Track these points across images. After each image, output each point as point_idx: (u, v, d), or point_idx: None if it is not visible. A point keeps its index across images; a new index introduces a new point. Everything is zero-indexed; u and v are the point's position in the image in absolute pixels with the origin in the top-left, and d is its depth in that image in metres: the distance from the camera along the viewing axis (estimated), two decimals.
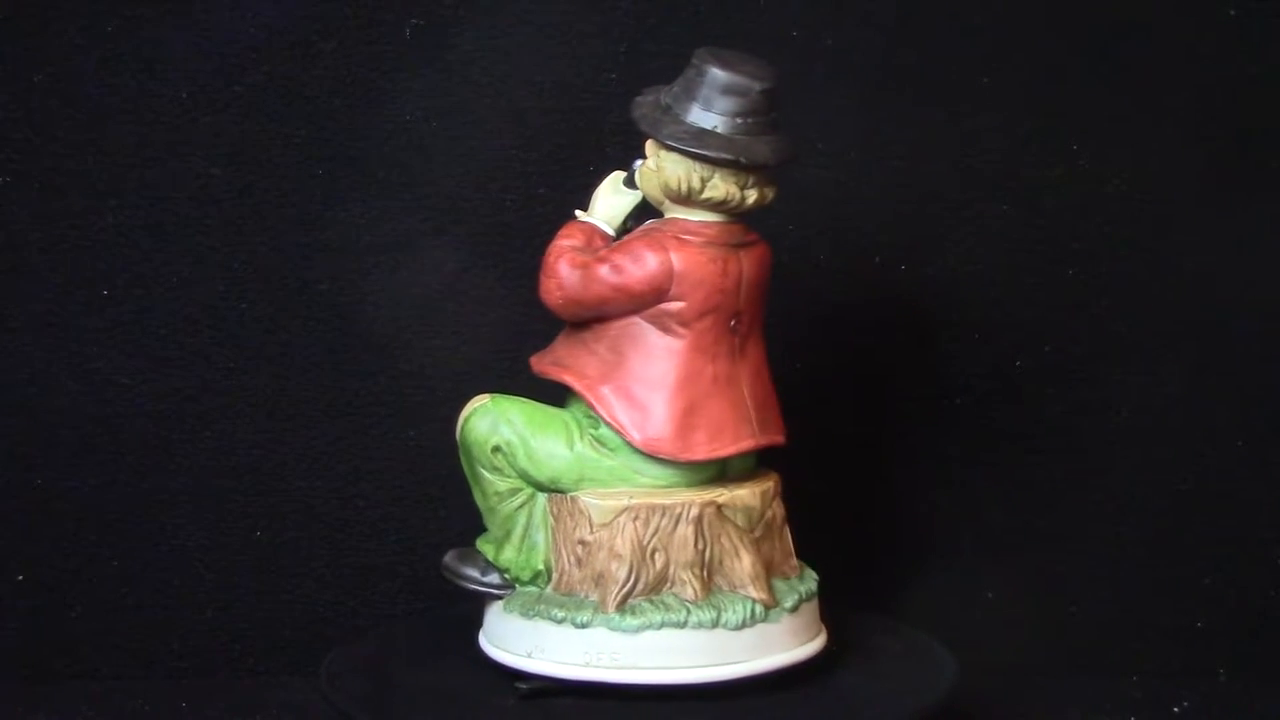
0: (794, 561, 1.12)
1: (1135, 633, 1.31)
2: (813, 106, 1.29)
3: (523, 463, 1.10)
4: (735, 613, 1.07)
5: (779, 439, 1.11)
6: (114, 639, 1.30)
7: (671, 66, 1.27)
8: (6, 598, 1.30)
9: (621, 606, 1.08)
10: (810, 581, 1.12)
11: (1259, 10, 1.28)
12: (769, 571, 1.10)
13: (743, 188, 1.08)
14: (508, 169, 1.29)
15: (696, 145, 1.06)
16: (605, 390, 1.09)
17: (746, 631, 1.08)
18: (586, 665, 1.08)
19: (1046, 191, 1.30)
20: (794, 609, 1.09)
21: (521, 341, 1.23)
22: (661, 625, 1.07)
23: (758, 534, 1.10)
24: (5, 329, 1.28)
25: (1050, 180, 1.30)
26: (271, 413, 1.30)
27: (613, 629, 1.07)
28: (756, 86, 1.07)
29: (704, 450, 1.08)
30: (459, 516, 1.29)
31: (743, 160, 1.06)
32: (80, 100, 1.27)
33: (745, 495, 1.09)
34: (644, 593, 1.08)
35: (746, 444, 1.09)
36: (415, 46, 1.28)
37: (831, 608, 1.18)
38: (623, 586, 1.08)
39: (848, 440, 1.30)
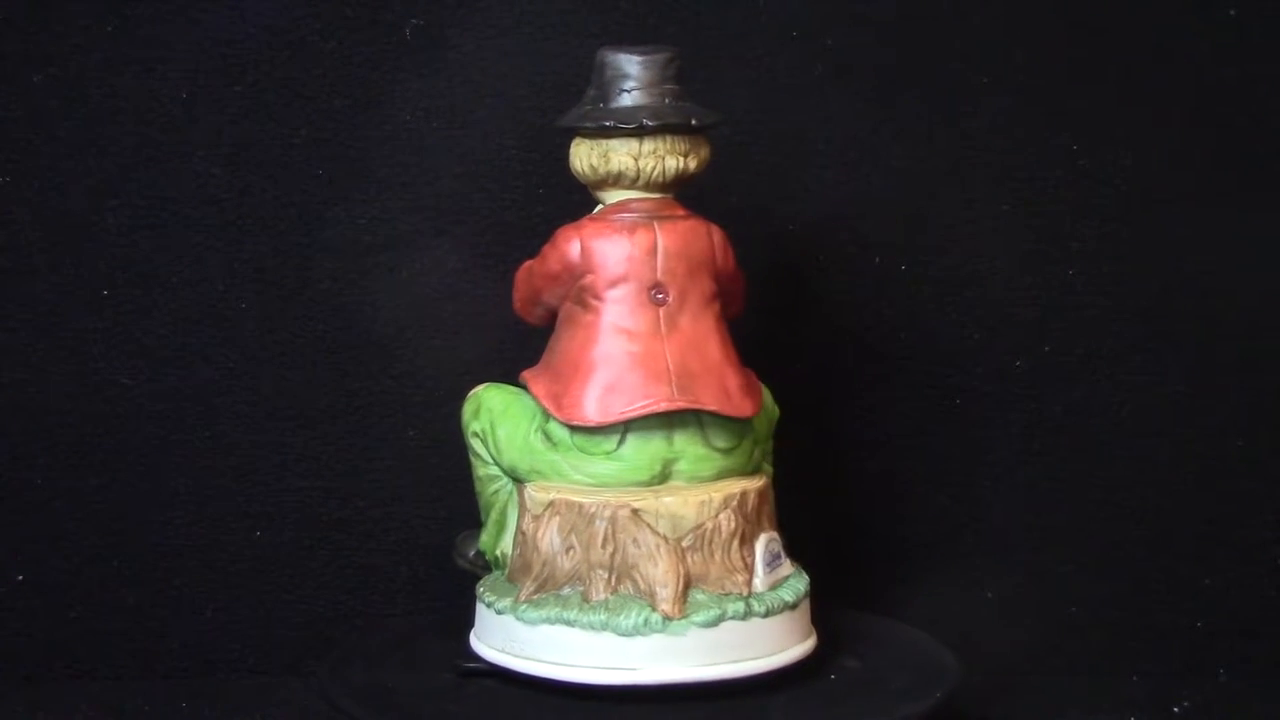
0: (744, 579, 1.09)
1: (1135, 633, 1.31)
2: (813, 106, 1.29)
3: (492, 449, 1.14)
4: (628, 618, 1.07)
5: (716, 406, 1.10)
6: (114, 639, 1.30)
7: None
8: (6, 598, 1.30)
9: (531, 598, 1.10)
10: (766, 601, 1.09)
11: (1259, 10, 1.28)
12: (692, 583, 1.09)
13: (637, 158, 1.11)
14: (508, 169, 1.29)
15: (576, 120, 1.12)
16: (541, 375, 1.13)
17: (639, 639, 1.07)
18: (502, 651, 1.11)
19: (1046, 191, 1.30)
20: (709, 625, 1.08)
21: (521, 341, 1.23)
22: (555, 621, 1.09)
23: (686, 543, 1.09)
24: (5, 329, 1.28)
25: (1050, 180, 1.30)
26: (271, 413, 1.30)
27: (518, 619, 1.10)
28: (635, 59, 1.11)
29: (612, 412, 1.09)
30: (459, 516, 1.29)
31: (612, 124, 1.10)
32: (80, 100, 1.27)
33: (673, 503, 1.09)
34: (554, 587, 1.10)
35: (658, 406, 1.09)
36: (415, 46, 1.28)
37: (832, 607, 1.18)
38: (534, 579, 1.10)
39: (848, 440, 1.30)
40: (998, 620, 1.31)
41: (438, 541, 1.30)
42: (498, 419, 1.14)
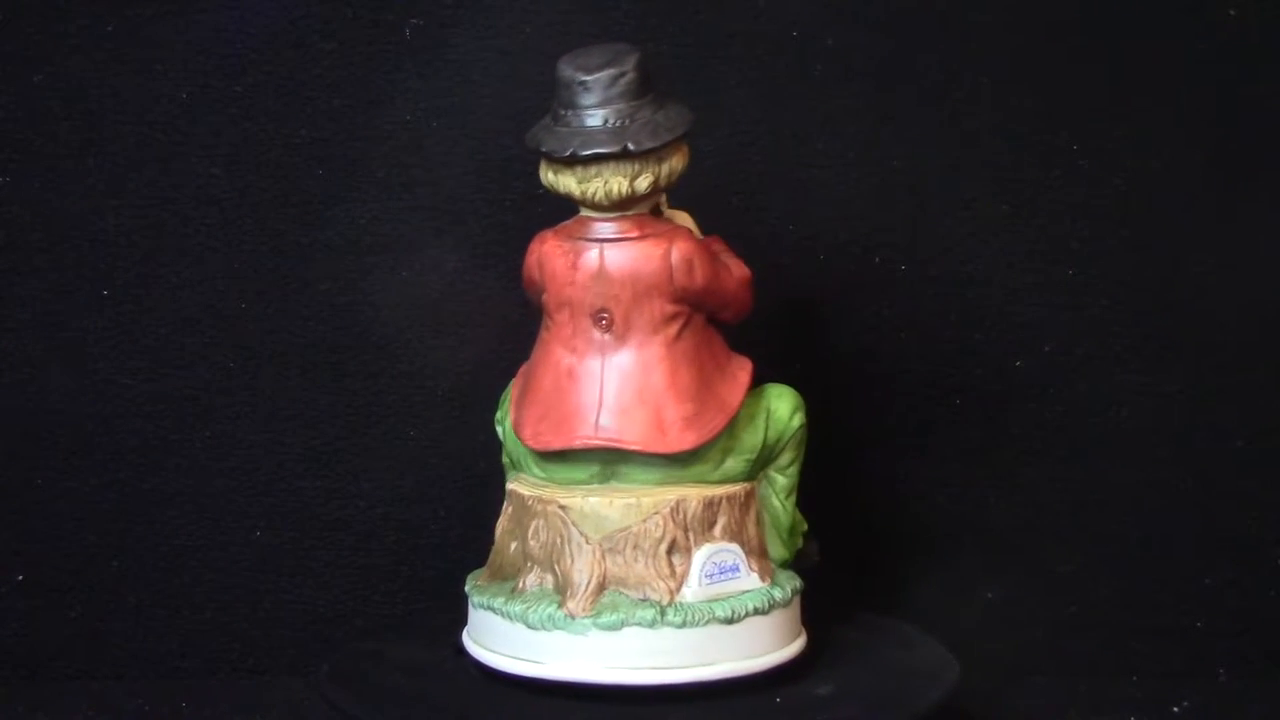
0: (668, 587, 1.08)
1: (1135, 633, 1.31)
2: (813, 106, 1.29)
3: (502, 439, 1.15)
4: (536, 612, 1.08)
5: (637, 445, 1.08)
6: (114, 639, 1.30)
7: (672, 67, 1.27)
8: (6, 598, 1.30)
9: (478, 584, 1.13)
10: (687, 612, 1.08)
11: (1259, 10, 1.28)
12: (610, 584, 1.08)
13: (579, 182, 1.09)
14: (508, 169, 1.29)
15: (528, 139, 1.10)
16: (522, 375, 1.14)
17: (544, 634, 1.08)
18: (465, 634, 1.14)
19: (1046, 191, 1.30)
20: (610, 628, 1.07)
21: (521, 341, 1.23)
22: (486, 608, 1.11)
23: (609, 545, 1.09)
24: (5, 329, 1.28)
25: (1050, 180, 1.30)
26: (271, 413, 1.30)
27: (471, 605, 1.12)
28: (580, 77, 1.09)
29: (542, 440, 1.10)
30: (459, 516, 1.29)
31: (546, 151, 1.09)
32: (80, 100, 1.27)
33: (598, 503, 1.09)
34: (500, 576, 1.12)
35: (577, 441, 1.09)
36: (415, 46, 1.28)
37: (831, 606, 1.18)
38: (489, 565, 1.13)
39: (848, 440, 1.30)
40: (998, 620, 1.31)
41: (437, 541, 1.30)
42: (509, 410, 1.14)
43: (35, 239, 1.28)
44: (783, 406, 1.13)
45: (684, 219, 1.15)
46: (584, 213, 1.11)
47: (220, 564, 1.30)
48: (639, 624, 1.07)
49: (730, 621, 1.08)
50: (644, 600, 1.08)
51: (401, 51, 1.28)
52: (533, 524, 1.10)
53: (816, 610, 1.15)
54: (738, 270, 1.13)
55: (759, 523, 1.13)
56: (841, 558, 1.27)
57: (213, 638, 1.31)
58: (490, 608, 1.10)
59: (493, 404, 1.17)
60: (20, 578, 1.30)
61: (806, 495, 1.16)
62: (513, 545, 1.12)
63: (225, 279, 1.29)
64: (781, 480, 1.14)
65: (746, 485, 1.12)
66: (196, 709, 1.25)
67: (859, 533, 1.31)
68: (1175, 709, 1.25)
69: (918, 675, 1.13)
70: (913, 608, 1.29)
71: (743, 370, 1.12)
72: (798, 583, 1.13)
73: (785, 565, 1.14)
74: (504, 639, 1.10)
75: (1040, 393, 1.31)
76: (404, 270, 1.29)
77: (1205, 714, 1.24)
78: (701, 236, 1.14)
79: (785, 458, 1.14)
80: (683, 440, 1.09)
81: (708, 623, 1.08)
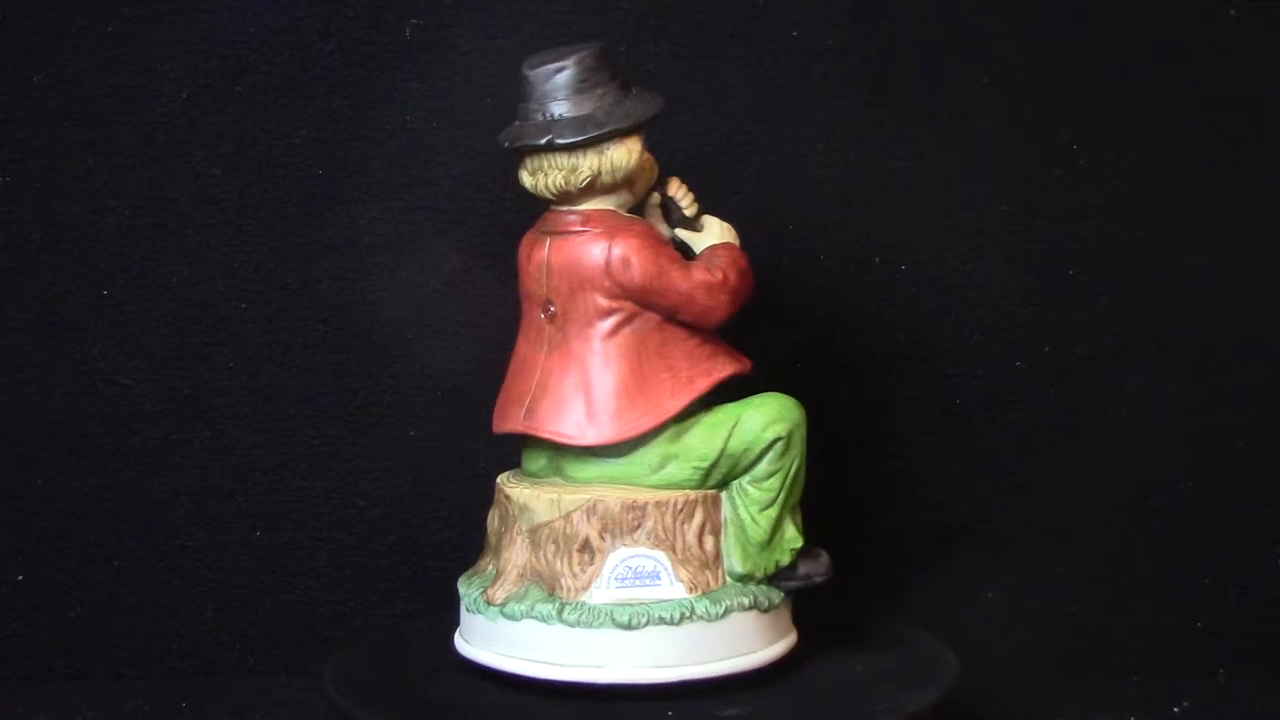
0: (575, 585, 1.08)
1: (1135, 633, 1.31)
2: (813, 106, 1.29)
3: None
4: (469, 596, 1.12)
5: (550, 434, 1.09)
6: (114, 639, 1.30)
7: (671, 66, 1.28)
8: (6, 598, 1.30)
9: (468, 568, 1.16)
10: (584, 612, 1.07)
11: (1259, 10, 1.28)
12: (531, 575, 1.09)
13: (531, 174, 1.11)
14: (508, 169, 1.29)
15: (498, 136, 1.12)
16: None
17: (470, 616, 1.12)
18: None
19: (1046, 191, 1.30)
20: (512, 618, 1.08)
21: None
22: (458, 589, 1.14)
23: (533, 538, 1.10)
24: (5, 329, 1.28)
25: (1050, 180, 1.30)
26: (271, 413, 1.30)
27: None
28: (526, 73, 1.10)
29: (496, 424, 1.13)
30: (459, 516, 1.29)
31: (499, 142, 1.11)
32: (80, 100, 1.27)
33: (527, 496, 1.10)
34: (482, 558, 1.15)
35: (508, 427, 1.12)
36: (415, 46, 1.28)
37: (832, 606, 1.18)
38: (482, 550, 1.16)
39: (848, 439, 1.30)
40: (998, 620, 1.31)
41: (437, 541, 1.30)
42: None
43: (35, 239, 1.28)
44: (755, 417, 1.09)
45: (714, 226, 1.14)
46: (551, 206, 1.12)
47: (220, 564, 1.30)
48: (535, 618, 1.08)
49: (628, 628, 1.07)
50: (551, 596, 1.09)
51: (401, 51, 1.28)
52: (491, 511, 1.14)
53: (817, 614, 1.15)
54: (701, 275, 1.09)
55: (709, 533, 1.09)
56: (841, 559, 1.27)
57: (213, 638, 1.31)
58: (458, 588, 1.14)
59: (493, 404, 1.17)
60: (20, 578, 1.30)
61: (807, 494, 1.16)
62: (489, 532, 1.14)
63: (225, 279, 1.29)
64: (755, 493, 1.10)
65: (692, 493, 1.09)
66: (196, 709, 1.25)
67: (859, 533, 1.31)
68: (1175, 709, 1.25)
69: (918, 675, 1.12)
70: (913, 608, 1.29)
71: (705, 377, 1.10)
72: (751, 600, 1.09)
73: (752, 581, 1.10)
74: (462, 620, 1.14)
75: (1040, 393, 1.31)
76: (404, 270, 1.29)
77: (1205, 714, 1.24)
78: (733, 240, 1.13)
79: (761, 470, 1.10)
80: (599, 434, 1.09)
81: (603, 625, 1.07)
